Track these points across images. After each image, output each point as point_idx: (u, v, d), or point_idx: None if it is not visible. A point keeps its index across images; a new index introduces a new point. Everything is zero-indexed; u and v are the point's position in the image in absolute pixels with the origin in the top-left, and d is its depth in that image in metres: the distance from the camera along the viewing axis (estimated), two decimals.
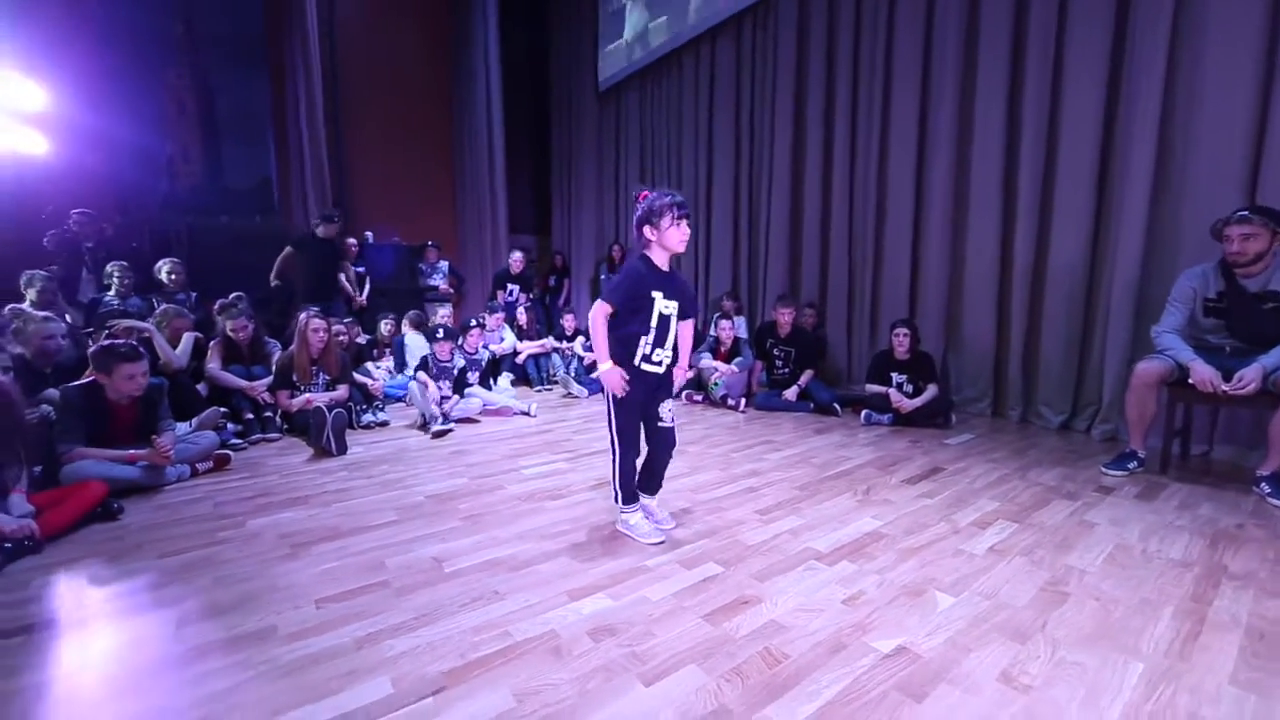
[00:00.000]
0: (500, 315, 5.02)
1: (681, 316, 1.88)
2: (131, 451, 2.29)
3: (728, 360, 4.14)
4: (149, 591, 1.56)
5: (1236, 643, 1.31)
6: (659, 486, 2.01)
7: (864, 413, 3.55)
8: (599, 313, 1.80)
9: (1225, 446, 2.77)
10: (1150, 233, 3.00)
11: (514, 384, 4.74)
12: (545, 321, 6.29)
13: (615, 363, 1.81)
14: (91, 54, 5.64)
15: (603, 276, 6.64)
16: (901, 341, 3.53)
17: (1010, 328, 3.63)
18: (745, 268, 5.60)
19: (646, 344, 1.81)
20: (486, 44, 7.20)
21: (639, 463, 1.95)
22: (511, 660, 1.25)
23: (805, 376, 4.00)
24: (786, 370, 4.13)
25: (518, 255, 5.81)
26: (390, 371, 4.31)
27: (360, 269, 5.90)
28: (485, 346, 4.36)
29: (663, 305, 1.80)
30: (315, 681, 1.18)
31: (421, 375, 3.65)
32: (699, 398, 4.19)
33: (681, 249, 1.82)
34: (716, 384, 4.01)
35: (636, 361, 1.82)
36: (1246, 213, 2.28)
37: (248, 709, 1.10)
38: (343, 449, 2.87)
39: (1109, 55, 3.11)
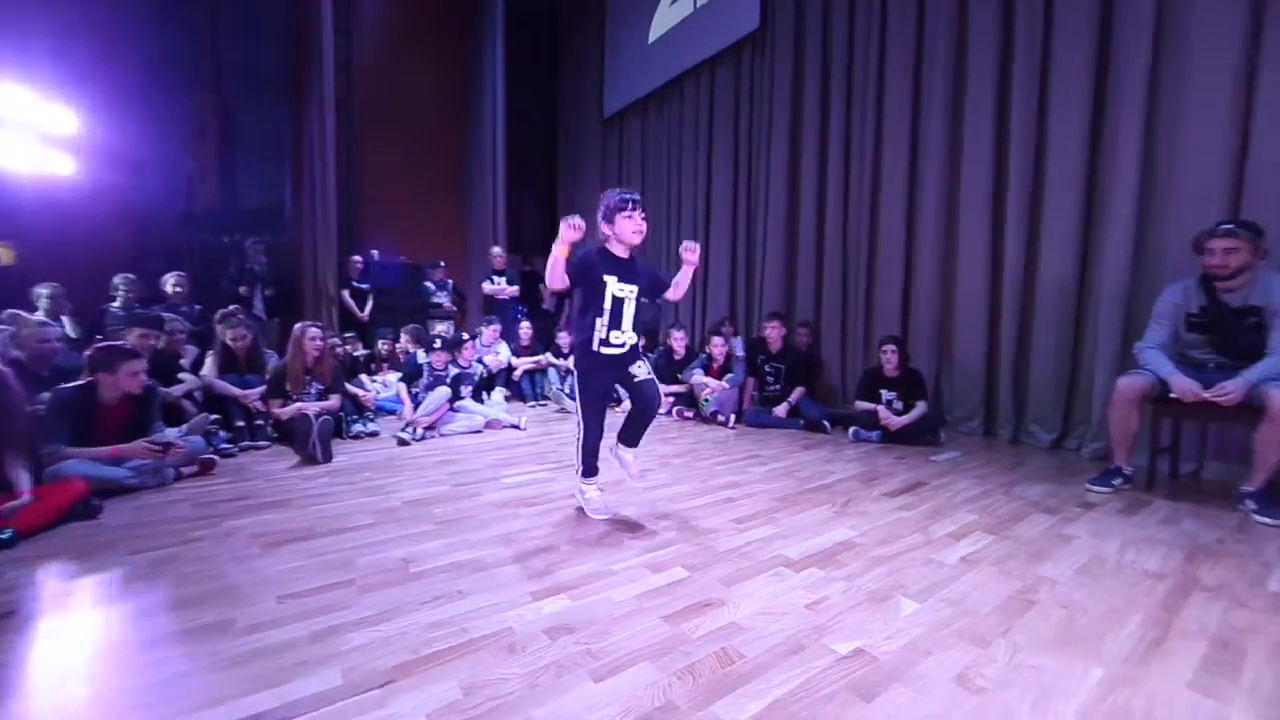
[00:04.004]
0: (496, 328, 5.07)
1: (653, 294, 2.03)
2: (116, 446, 2.33)
3: (719, 377, 4.15)
4: (113, 585, 1.58)
5: (1200, 651, 1.28)
6: (637, 442, 2.18)
7: (852, 429, 3.54)
8: (554, 252, 1.90)
9: (1215, 464, 2.73)
10: (1136, 248, 3.02)
11: (508, 399, 4.77)
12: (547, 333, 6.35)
13: (578, 352, 2.03)
14: (125, 78, 5.90)
15: None
16: (890, 358, 3.53)
17: (1001, 347, 3.63)
18: (743, 287, 5.65)
19: (602, 326, 1.91)
20: (495, 78, 7.45)
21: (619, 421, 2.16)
22: (464, 655, 1.25)
23: (796, 393, 4.00)
24: (778, 387, 4.14)
25: (496, 250, 5.91)
26: (385, 384, 4.35)
27: (364, 285, 6.01)
28: (479, 360, 4.40)
29: (616, 289, 1.93)
30: (264, 672, 1.18)
31: (400, 385, 3.70)
32: (690, 414, 4.19)
33: (635, 240, 1.94)
34: (708, 400, 4.02)
35: (595, 346, 1.93)
36: (1231, 226, 2.29)
37: (192, 695, 1.11)
38: (328, 456, 2.89)
39: (1093, 74, 3.18)
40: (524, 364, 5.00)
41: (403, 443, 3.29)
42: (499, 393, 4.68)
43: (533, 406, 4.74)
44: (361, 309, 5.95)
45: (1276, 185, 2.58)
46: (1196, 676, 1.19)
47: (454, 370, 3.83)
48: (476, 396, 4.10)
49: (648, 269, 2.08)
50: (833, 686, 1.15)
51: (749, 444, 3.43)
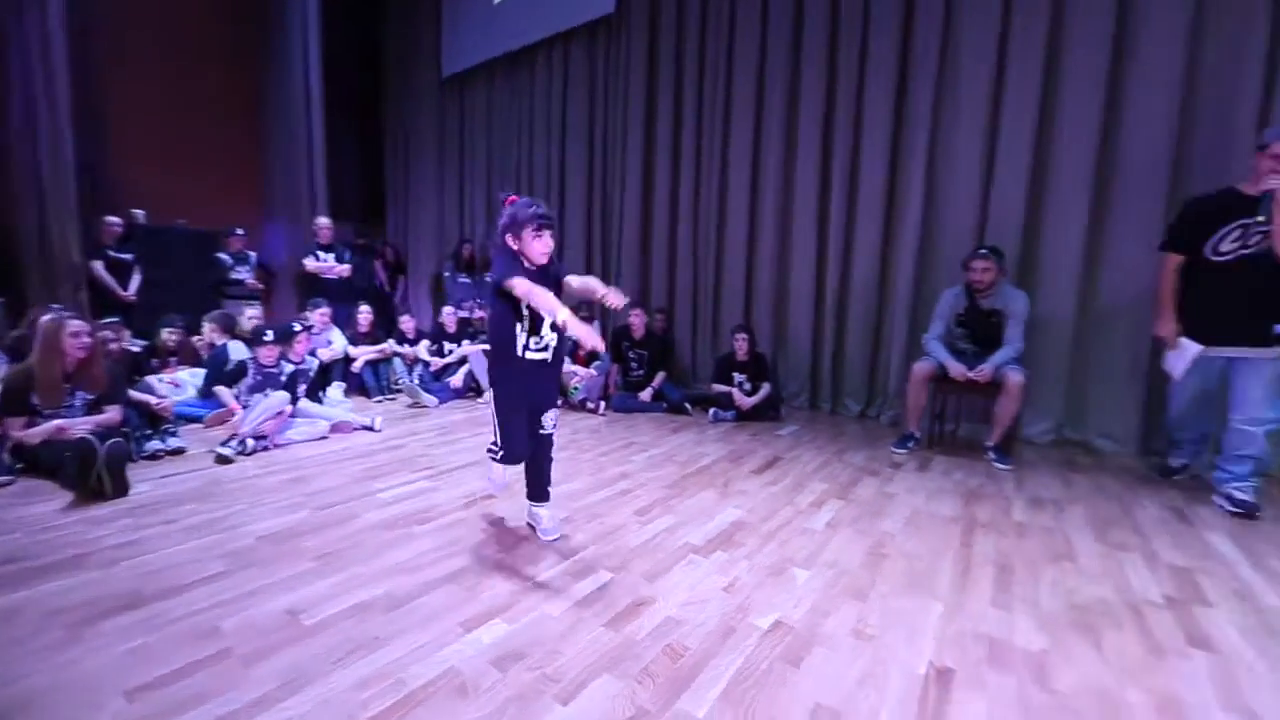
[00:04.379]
0: (325, 312, 4.41)
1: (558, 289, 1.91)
2: None
3: (586, 364, 4.21)
4: None
5: (990, 574, 1.77)
6: (546, 494, 2.04)
7: (711, 411, 3.91)
8: (519, 285, 1.72)
9: (967, 424, 3.65)
10: (920, 260, 3.81)
11: (347, 394, 4.23)
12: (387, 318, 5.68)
13: (495, 358, 1.92)
14: None
15: (446, 274, 6.23)
16: (741, 345, 3.96)
17: (824, 333, 4.30)
18: (599, 272, 5.73)
19: (523, 333, 1.82)
20: (305, 13, 6.22)
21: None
22: (413, 709, 1.16)
23: (658, 378, 4.25)
24: (641, 372, 4.35)
25: (323, 221, 5.12)
26: (176, 385, 3.52)
27: (127, 255, 4.71)
28: (313, 353, 3.81)
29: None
30: None
31: (222, 391, 3.08)
32: (559, 402, 4.19)
33: (543, 260, 1.81)
34: (576, 388, 4.07)
35: (519, 352, 1.83)
36: (985, 252, 3.04)
37: None
38: (122, 489, 2.29)
39: (893, 108, 3.85)
40: (366, 354, 4.46)
41: (224, 460, 2.74)
42: (336, 388, 4.12)
43: (379, 401, 4.28)
44: (124, 285, 4.67)
45: (1010, 219, 3.47)
46: (994, 595, 1.64)
47: (288, 366, 3.26)
48: (312, 395, 3.56)
49: (555, 271, 1.96)
50: (768, 661, 1.34)
51: (622, 430, 3.58)
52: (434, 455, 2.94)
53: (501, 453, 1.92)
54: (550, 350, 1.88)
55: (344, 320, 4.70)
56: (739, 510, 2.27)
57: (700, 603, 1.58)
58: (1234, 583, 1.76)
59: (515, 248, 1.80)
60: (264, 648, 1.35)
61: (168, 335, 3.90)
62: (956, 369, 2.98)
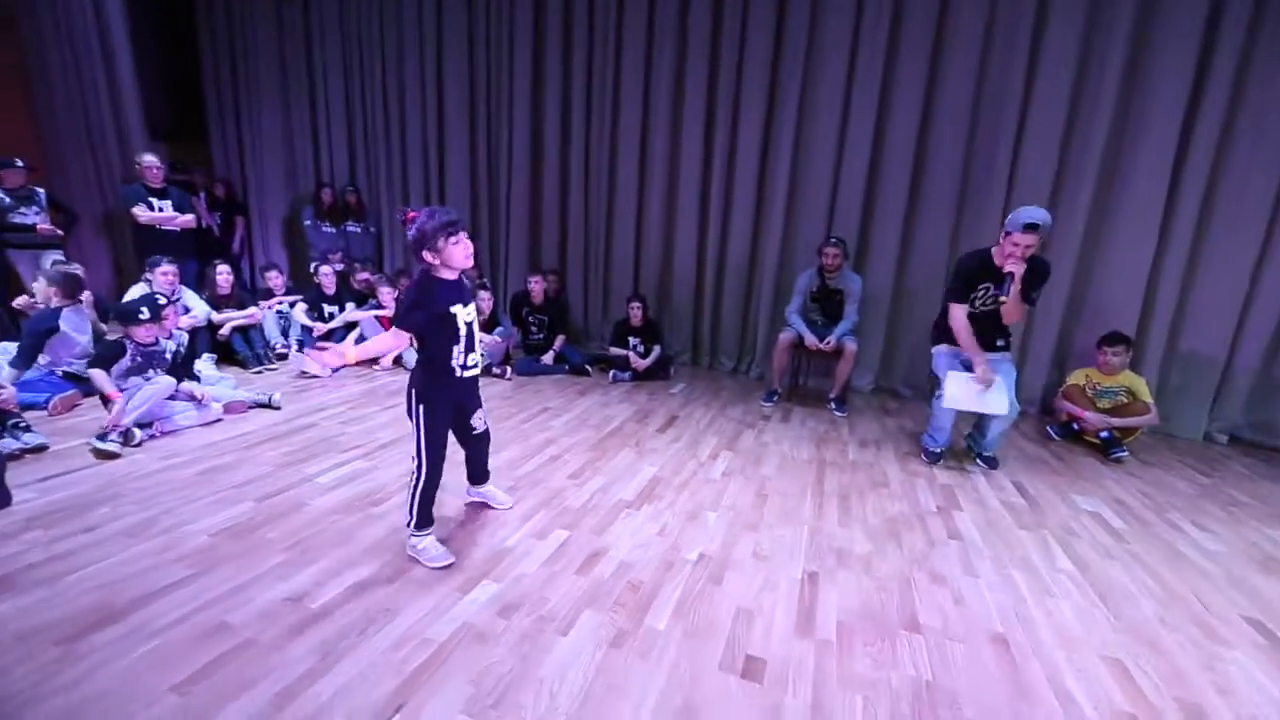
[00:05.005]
0: (169, 271, 3.88)
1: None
2: None
3: (487, 330, 4.33)
4: None
5: (835, 504, 2.49)
6: (487, 475, 2.26)
7: (611, 372, 4.33)
8: (401, 341, 1.83)
9: (814, 379, 4.53)
10: (784, 240, 4.49)
11: (218, 366, 3.87)
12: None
13: (425, 376, 1.86)
14: None
15: (307, 223, 5.65)
16: (636, 312, 4.38)
17: (704, 299, 4.88)
18: (486, 230, 5.66)
19: (459, 354, 1.85)
20: None
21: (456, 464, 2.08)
22: (446, 658, 1.47)
23: (558, 341, 4.53)
24: (540, 336, 4.59)
25: (150, 159, 4.32)
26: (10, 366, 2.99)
27: None
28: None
29: (465, 315, 1.84)
30: None
31: (98, 375, 2.75)
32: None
33: (468, 264, 1.81)
34: (483, 354, 4.18)
35: (456, 373, 1.86)
36: (835, 240, 3.74)
37: None
38: (5, 500, 2.07)
39: (765, 102, 4.35)
40: (235, 319, 4.05)
41: (108, 455, 2.52)
42: (207, 361, 3.76)
43: (259, 373, 3.98)
44: None
45: (851, 212, 4.24)
46: (839, 517, 2.35)
47: (169, 344, 2.95)
48: (185, 372, 3.25)
49: (470, 281, 1.96)
50: (700, 583, 1.85)
51: (530, 395, 3.85)
52: (354, 433, 2.97)
53: (423, 475, 1.86)
54: (479, 367, 1.93)
55: (186, 280, 4.16)
56: (654, 468, 2.76)
57: (643, 546, 2.05)
58: (975, 494, 2.69)
59: (436, 260, 1.77)
60: (283, 632, 1.52)
61: None
62: (811, 340, 3.73)
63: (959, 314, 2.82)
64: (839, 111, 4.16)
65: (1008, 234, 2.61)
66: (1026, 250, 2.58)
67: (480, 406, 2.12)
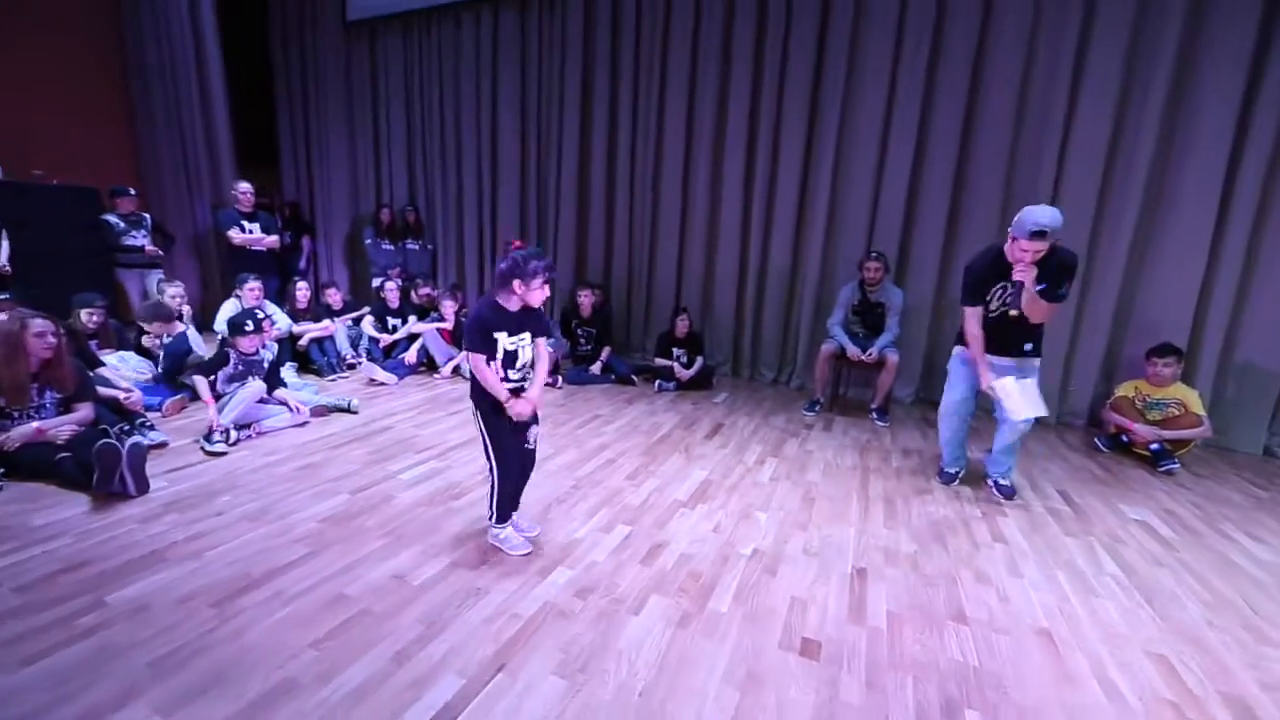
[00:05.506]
0: (256, 288, 4.29)
1: (535, 335, 2.08)
2: None
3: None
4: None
5: (881, 507, 2.60)
6: (517, 501, 2.19)
7: (657, 382, 4.52)
8: (476, 361, 1.97)
9: (855, 390, 4.62)
10: (825, 254, 4.62)
11: (299, 375, 4.23)
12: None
13: (480, 387, 2.00)
14: None
15: (368, 241, 6.07)
16: (681, 325, 4.56)
17: (745, 312, 5.04)
18: (533, 243, 5.96)
19: (500, 367, 1.99)
20: None
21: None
22: (535, 630, 1.67)
23: (605, 352, 4.76)
24: (589, 347, 4.82)
25: (245, 186, 4.83)
26: (139, 373, 3.39)
27: None
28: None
29: (507, 342, 1.99)
30: (382, 703, 1.39)
31: (199, 382, 3.09)
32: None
33: (538, 305, 2.02)
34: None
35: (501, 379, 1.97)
36: (876, 254, 3.86)
37: None
38: (144, 487, 2.39)
39: (806, 121, 4.52)
40: (312, 330, 4.43)
41: (214, 454, 2.84)
42: (289, 370, 4.13)
43: (334, 380, 4.33)
44: None
45: (892, 227, 4.34)
46: (885, 519, 2.46)
47: (267, 355, 3.30)
48: (273, 379, 3.60)
49: (538, 316, 2.09)
50: (755, 574, 2.01)
51: (581, 403, 4.07)
52: (425, 436, 3.24)
53: (498, 474, 2.04)
54: (527, 378, 2.07)
55: (268, 295, 4.56)
56: (704, 471, 2.92)
57: (700, 541, 2.22)
58: (1020, 501, 2.75)
59: (519, 291, 1.95)
60: (394, 605, 1.75)
61: (86, 317, 3.64)
62: (854, 351, 3.84)
63: (972, 318, 2.65)
64: (879, 131, 4.29)
65: (1014, 239, 2.39)
66: (1035, 255, 2.36)
67: (536, 425, 2.16)
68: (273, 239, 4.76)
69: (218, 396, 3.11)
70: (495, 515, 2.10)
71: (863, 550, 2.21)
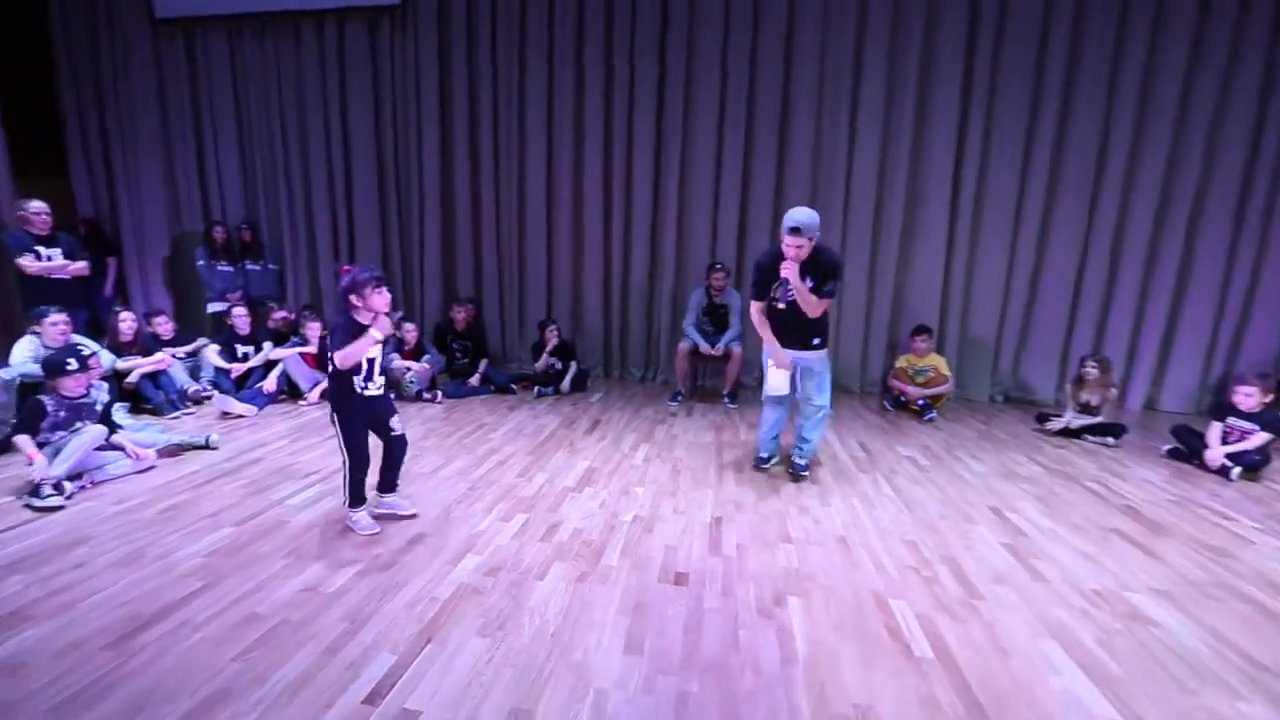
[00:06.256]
0: (62, 321, 3.77)
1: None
2: None
3: (415, 358, 4.62)
4: None
5: (732, 471, 3.20)
6: (394, 486, 2.58)
7: (536, 388, 4.81)
8: (344, 354, 2.25)
9: (710, 380, 5.33)
10: (678, 263, 5.28)
11: (132, 414, 3.81)
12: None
13: (338, 396, 2.37)
14: None
15: (200, 263, 5.49)
16: (552, 335, 4.90)
17: (612, 318, 5.53)
18: (398, 263, 5.88)
19: (360, 380, 2.35)
20: None
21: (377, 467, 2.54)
22: (455, 607, 1.92)
23: (483, 365, 4.93)
24: (465, 360, 4.96)
25: (37, 205, 4.06)
26: None
27: None
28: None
29: (369, 351, 2.32)
30: (324, 687, 1.57)
31: (22, 440, 2.75)
32: (392, 395, 4.53)
33: (386, 309, 2.34)
34: (412, 381, 4.48)
35: (360, 391, 2.35)
36: (720, 265, 4.57)
37: None
38: None
39: (653, 137, 5.13)
40: (145, 365, 3.99)
41: (50, 509, 2.57)
42: (119, 410, 3.70)
43: (176, 418, 3.96)
44: None
45: (729, 239, 5.12)
46: (735, 479, 3.06)
47: (100, 395, 2.99)
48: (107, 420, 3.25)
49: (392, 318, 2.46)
50: (637, 534, 2.44)
51: (464, 415, 4.22)
52: (306, 462, 3.20)
53: (350, 466, 2.38)
54: (382, 389, 2.45)
55: (78, 328, 4.01)
56: (587, 461, 3.31)
57: (589, 517, 2.60)
58: (830, 451, 3.54)
59: (360, 304, 2.28)
60: (311, 612, 1.88)
61: None
62: (705, 347, 4.51)
63: (756, 310, 2.94)
64: (713, 149, 5.04)
65: (783, 238, 2.66)
66: (798, 252, 2.62)
67: (395, 414, 2.54)
68: (79, 265, 4.17)
69: (42, 445, 2.79)
70: (349, 500, 2.43)
71: (719, 504, 2.77)
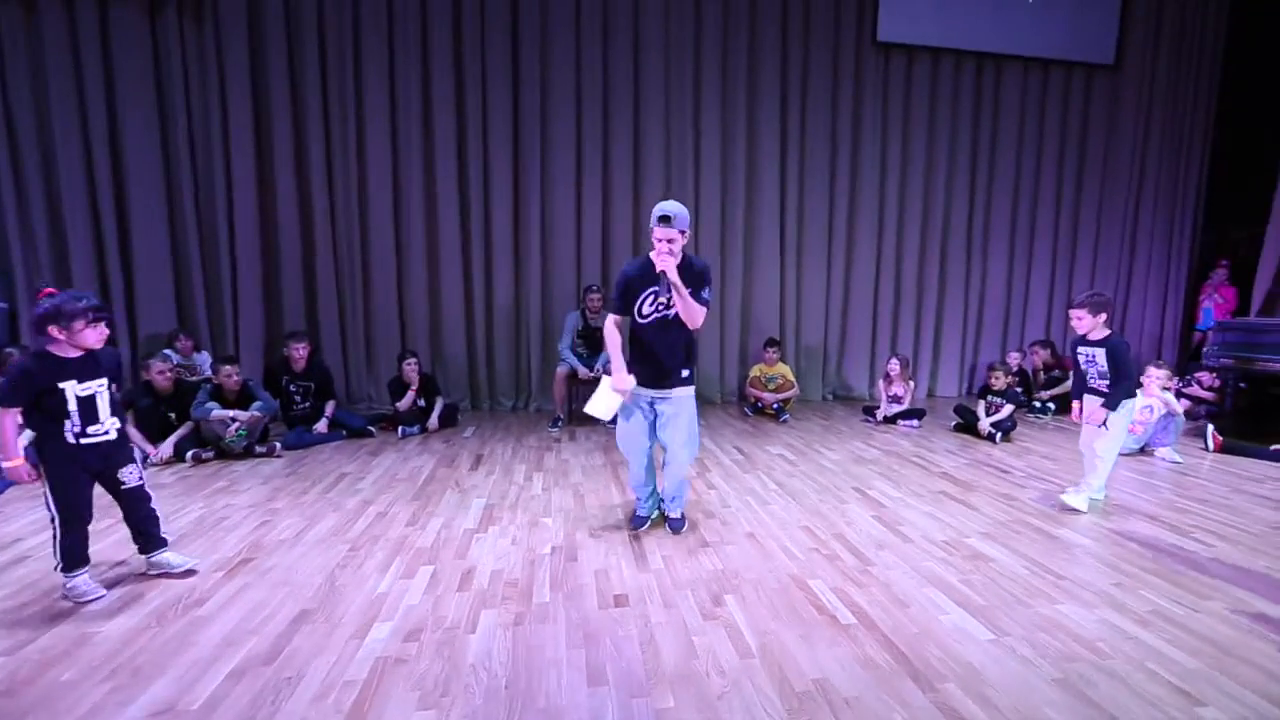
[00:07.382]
0: None
1: (111, 379, 2.05)
2: None
3: (242, 407, 3.85)
4: None
5: (617, 486, 3.26)
6: (159, 541, 2.21)
7: (400, 428, 4.33)
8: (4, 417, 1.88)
9: (581, 401, 5.34)
10: (544, 288, 5.24)
11: None
12: None
13: (42, 452, 1.98)
14: None
15: None
16: (410, 369, 4.49)
17: (476, 348, 5.26)
18: (201, 304, 4.86)
19: (75, 426, 1.94)
20: None
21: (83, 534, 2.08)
22: (378, 685, 1.64)
23: (330, 407, 4.30)
24: (306, 405, 4.28)
25: None
26: None
27: None
28: None
29: (79, 389, 1.94)
30: None
31: None
32: (208, 454, 3.70)
33: (100, 346, 1.98)
34: (241, 433, 3.71)
35: (74, 441, 1.95)
36: (597, 288, 4.65)
37: None
38: None
39: (511, 160, 5.07)
40: None
41: None
42: None
43: None
44: None
45: (593, 261, 5.25)
46: (618, 491, 3.12)
47: None
48: None
49: (108, 355, 2.06)
50: (561, 565, 2.35)
51: (316, 466, 3.64)
52: (94, 550, 2.46)
53: (59, 523, 1.98)
54: (114, 431, 2.03)
55: None
56: (481, 500, 3.09)
57: (503, 556, 2.43)
58: (715, 457, 3.80)
59: (62, 337, 1.89)
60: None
61: None
62: (583, 371, 4.54)
63: (611, 322, 2.57)
64: (572, 173, 5.16)
65: (652, 233, 2.33)
66: (668, 244, 2.30)
67: (130, 463, 2.13)
68: None
69: None
70: (61, 564, 2.03)
71: (606, 516, 2.80)
